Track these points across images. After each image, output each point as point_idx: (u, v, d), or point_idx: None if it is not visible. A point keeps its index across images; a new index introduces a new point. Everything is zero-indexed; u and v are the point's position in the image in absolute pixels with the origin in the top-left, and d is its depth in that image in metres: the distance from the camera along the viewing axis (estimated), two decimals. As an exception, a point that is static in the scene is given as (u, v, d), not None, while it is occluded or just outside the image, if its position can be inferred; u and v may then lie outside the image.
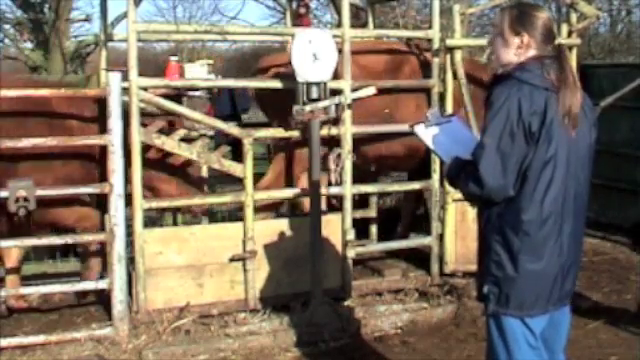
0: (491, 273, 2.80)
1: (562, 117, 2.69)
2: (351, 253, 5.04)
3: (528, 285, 2.75)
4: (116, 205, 4.39)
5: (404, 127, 5.29)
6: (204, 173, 5.75)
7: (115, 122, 4.37)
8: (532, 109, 2.66)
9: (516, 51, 2.81)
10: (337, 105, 4.78)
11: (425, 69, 5.41)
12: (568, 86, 2.70)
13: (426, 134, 2.99)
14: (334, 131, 4.94)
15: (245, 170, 4.75)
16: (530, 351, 2.79)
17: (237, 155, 5.11)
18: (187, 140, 5.02)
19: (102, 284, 4.52)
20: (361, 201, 6.04)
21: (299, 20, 6.13)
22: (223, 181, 6.50)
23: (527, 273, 2.74)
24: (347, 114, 4.93)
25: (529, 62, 2.76)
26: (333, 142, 5.05)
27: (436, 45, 5.25)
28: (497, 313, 2.81)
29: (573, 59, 5.52)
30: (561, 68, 2.73)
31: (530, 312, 2.76)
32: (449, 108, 5.24)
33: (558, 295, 2.80)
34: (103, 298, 4.78)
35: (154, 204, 4.81)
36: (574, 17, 5.56)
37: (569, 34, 5.55)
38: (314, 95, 4.61)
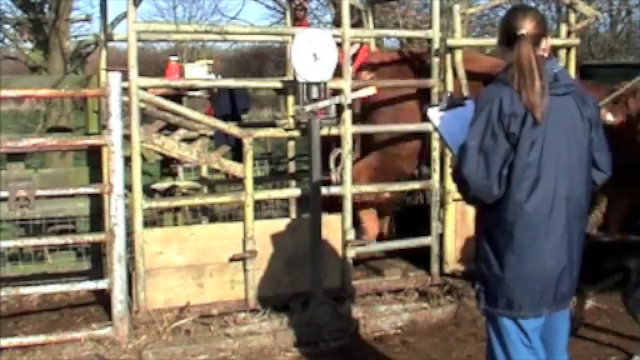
0: (480, 272, 2.84)
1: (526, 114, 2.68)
2: (351, 253, 5.04)
3: (515, 285, 2.75)
4: (116, 205, 4.39)
5: (405, 127, 5.34)
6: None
7: (115, 122, 4.37)
8: (511, 110, 2.67)
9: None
10: (337, 105, 4.80)
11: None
12: (525, 85, 2.69)
13: (437, 118, 3.00)
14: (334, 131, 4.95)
15: (245, 170, 4.75)
16: (526, 351, 2.80)
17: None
18: (187, 140, 5.03)
19: (102, 284, 4.53)
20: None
21: (297, 23, 6.15)
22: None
23: (514, 273, 2.75)
24: (347, 114, 4.93)
25: (511, 65, 2.79)
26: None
27: (436, 45, 5.25)
28: (490, 312, 2.84)
29: (572, 59, 5.53)
30: (518, 68, 2.73)
31: (520, 313, 2.77)
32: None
33: (553, 298, 2.78)
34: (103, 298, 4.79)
35: (154, 204, 4.81)
36: (573, 17, 5.56)
37: (568, 34, 5.55)
38: (314, 95, 4.62)
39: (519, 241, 2.73)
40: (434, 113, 3.02)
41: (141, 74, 4.54)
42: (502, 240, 2.75)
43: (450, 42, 5.26)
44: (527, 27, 2.76)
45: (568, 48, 5.51)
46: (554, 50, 5.23)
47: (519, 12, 2.84)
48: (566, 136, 2.75)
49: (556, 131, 2.72)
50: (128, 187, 4.56)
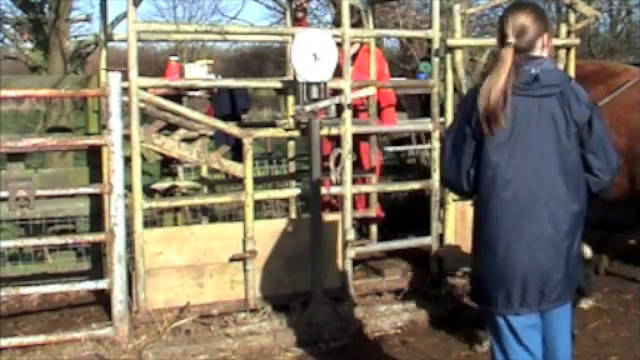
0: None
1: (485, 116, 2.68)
2: (351, 253, 5.03)
3: (490, 281, 2.81)
4: (116, 205, 4.39)
5: (406, 127, 5.35)
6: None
7: (115, 122, 4.37)
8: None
9: None
10: (337, 105, 4.80)
11: None
12: (488, 86, 2.69)
13: None
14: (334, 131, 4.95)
15: (245, 170, 4.75)
16: (520, 350, 2.82)
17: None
18: (187, 140, 5.03)
19: (102, 284, 4.53)
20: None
21: (297, 23, 6.16)
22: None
23: (487, 270, 2.81)
24: (347, 114, 4.93)
25: None
26: None
27: (436, 45, 5.25)
28: (485, 310, 2.90)
29: (572, 59, 5.53)
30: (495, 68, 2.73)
31: (496, 309, 2.81)
32: (449, 108, 5.24)
33: (537, 298, 2.77)
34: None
35: (154, 204, 4.81)
36: (573, 17, 5.56)
37: (568, 34, 5.55)
38: (314, 95, 4.62)
39: (489, 239, 2.79)
40: None
41: (141, 74, 4.54)
42: (478, 237, 2.85)
43: (450, 42, 5.25)
44: (516, 30, 2.73)
45: (568, 48, 5.51)
46: (554, 50, 5.22)
47: (509, 13, 2.80)
48: (544, 138, 2.71)
49: (529, 133, 2.70)
50: (128, 187, 4.56)
